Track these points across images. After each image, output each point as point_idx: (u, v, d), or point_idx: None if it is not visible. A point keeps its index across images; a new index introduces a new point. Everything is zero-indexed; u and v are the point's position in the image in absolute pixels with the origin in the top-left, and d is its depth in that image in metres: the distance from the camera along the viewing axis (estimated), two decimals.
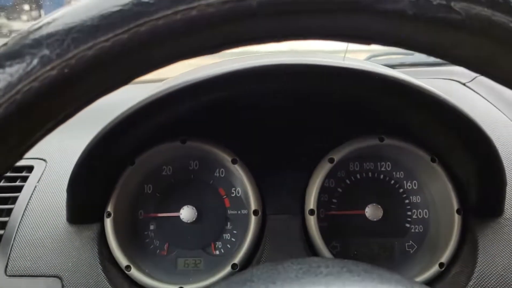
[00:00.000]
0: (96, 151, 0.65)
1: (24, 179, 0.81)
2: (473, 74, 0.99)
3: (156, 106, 0.62)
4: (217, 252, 0.80)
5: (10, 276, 0.68)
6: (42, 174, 0.81)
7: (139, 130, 0.67)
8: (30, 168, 0.83)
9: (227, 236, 0.80)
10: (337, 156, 0.76)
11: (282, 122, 0.79)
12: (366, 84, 0.59)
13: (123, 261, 0.72)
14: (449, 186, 0.73)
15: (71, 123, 0.98)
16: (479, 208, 0.71)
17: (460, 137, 0.63)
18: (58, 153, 0.85)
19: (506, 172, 0.67)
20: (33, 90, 0.23)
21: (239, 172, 0.76)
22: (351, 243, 0.79)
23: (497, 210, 0.71)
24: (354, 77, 0.58)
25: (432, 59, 1.13)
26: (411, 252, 0.79)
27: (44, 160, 0.84)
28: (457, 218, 0.72)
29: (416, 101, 0.61)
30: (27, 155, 0.96)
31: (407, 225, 0.80)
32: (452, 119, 0.61)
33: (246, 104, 0.74)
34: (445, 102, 0.59)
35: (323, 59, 0.58)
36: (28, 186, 0.79)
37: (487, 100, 0.90)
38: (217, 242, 0.80)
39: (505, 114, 0.85)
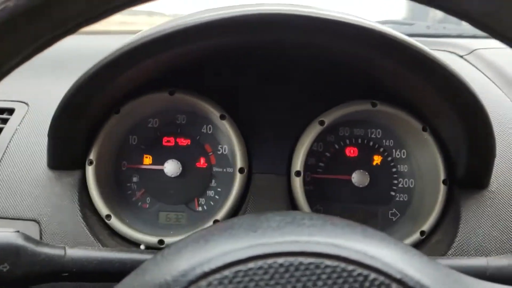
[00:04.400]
0: (78, 95, 0.63)
1: (4, 121, 0.78)
2: (471, 47, 0.98)
3: (142, 51, 0.59)
4: (200, 209, 0.79)
5: None
6: (24, 117, 0.78)
7: (125, 76, 0.64)
8: (11, 111, 0.80)
9: (210, 193, 0.80)
10: (328, 118, 0.74)
11: (275, 81, 0.77)
12: (363, 40, 0.57)
13: (103, 209, 0.71)
14: (438, 156, 0.73)
15: (55, 67, 0.94)
16: (465, 179, 0.71)
17: (454, 104, 0.62)
18: (40, 97, 0.82)
19: (496, 145, 0.66)
20: None
21: (227, 128, 0.74)
22: (335, 207, 0.79)
23: (483, 182, 0.71)
24: (354, 33, 0.56)
25: (430, 30, 1.11)
26: (394, 220, 0.79)
27: (26, 103, 0.81)
28: (442, 188, 0.72)
29: (412, 62, 0.59)
30: (8, 97, 0.92)
31: (392, 193, 0.79)
32: (448, 84, 0.60)
33: (238, 61, 0.72)
34: (443, 66, 0.58)
35: (320, 11, 0.55)
36: (8, 129, 0.76)
37: (484, 74, 0.89)
38: (200, 198, 0.79)
39: (500, 89, 0.84)
